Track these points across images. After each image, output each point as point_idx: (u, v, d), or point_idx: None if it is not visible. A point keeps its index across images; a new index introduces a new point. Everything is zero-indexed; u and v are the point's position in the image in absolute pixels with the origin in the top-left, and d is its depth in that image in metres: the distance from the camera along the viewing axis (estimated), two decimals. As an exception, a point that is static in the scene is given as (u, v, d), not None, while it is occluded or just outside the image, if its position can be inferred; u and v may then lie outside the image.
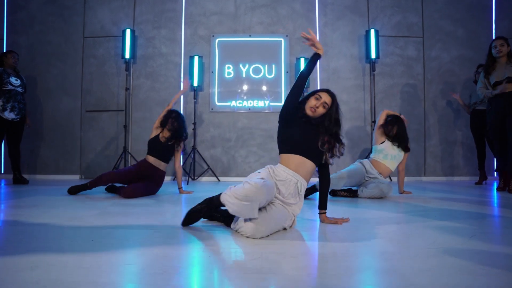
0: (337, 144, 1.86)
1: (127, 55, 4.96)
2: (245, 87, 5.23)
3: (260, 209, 1.66)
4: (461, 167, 5.22)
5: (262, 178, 1.63)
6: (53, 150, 5.19)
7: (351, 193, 3.15)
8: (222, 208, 1.86)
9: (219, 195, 1.63)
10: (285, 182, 1.74)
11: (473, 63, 4.96)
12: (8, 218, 2.04)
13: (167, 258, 1.24)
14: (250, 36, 5.22)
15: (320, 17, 5.25)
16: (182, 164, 3.35)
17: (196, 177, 5.03)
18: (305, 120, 1.85)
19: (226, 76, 5.23)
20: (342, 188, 3.17)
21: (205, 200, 1.74)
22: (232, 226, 1.65)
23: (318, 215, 1.95)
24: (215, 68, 5.21)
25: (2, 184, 4.17)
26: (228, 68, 5.23)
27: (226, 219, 1.79)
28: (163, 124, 3.29)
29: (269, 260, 1.24)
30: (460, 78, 5.23)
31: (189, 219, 1.76)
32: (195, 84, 5.02)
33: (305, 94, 1.96)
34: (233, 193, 1.51)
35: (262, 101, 5.19)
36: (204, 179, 5.11)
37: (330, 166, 1.93)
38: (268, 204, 1.68)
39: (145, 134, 5.04)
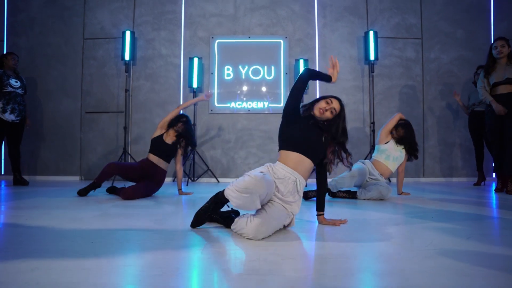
0: (345, 154, 1.89)
1: (127, 57, 4.98)
2: (244, 89, 5.25)
3: (260, 210, 1.68)
4: (460, 168, 5.23)
5: (262, 172, 1.66)
6: (53, 151, 5.20)
7: (350, 195, 3.16)
8: (223, 210, 1.88)
9: (223, 191, 1.66)
10: (283, 180, 1.76)
11: (472, 64, 4.98)
12: (8, 219, 2.05)
13: (167, 260, 1.25)
14: (249, 37, 5.24)
15: (319, 19, 5.27)
16: (183, 164, 3.37)
17: (195, 178, 5.04)
18: (311, 120, 1.89)
19: (226, 77, 5.24)
20: (342, 189, 3.19)
21: (211, 198, 1.76)
22: (232, 227, 1.65)
23: (316, 216, 1.96)
24: (214, 70, 5.23)
25: (2, 185, 4.18)
26: (228, 69, 5.24)
27: (226, 220, 1.80)
28: (170, 125, 3.28)
29: (268, 261, 1.25)
30: (459, 80, 5.25)
31: (198, 219, 1.77)
32: (195, 85, 5.04)
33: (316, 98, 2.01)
34: (235, 186, 1.55)
35: (262, 103, 5.20)
36: (203, 180, 5.12)
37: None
38: (267, 204, 1.70)
39: (145, 135, 5.06)
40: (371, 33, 4.98)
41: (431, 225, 1.92)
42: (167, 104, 5.21)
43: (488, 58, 3.62)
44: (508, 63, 3.52)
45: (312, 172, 1.92)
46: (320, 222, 1.94)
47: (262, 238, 1.56)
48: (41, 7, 5.25)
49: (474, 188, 4.21)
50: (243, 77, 5.24)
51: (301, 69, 5.00)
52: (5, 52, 4.82)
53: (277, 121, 1.98)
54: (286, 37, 5.23)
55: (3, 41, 5.20)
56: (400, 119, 3.28)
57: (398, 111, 5.18)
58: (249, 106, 5.21)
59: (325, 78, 1.98)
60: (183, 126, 3.26)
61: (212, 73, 5.22)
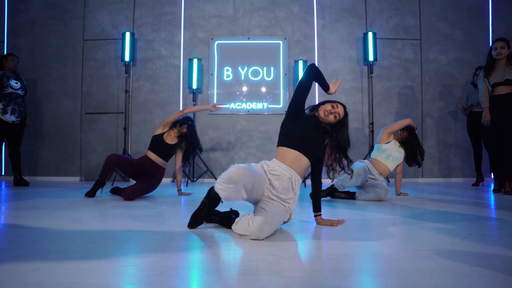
0: (346, 162, 1.93)
1: (127, 58, 5.00)
2: (244, 90, 5.27)
3: (259, 209, 1.70)
4: (458, 169, 5.25)
5: (249, 164, 1.72)
6: (54, 152, 5.22)
7: (349, 195, 3.18)
8: (222, 210, 1.90)
9: (213, 186, 1.67)
10: (279, 177, 1.78)
11: (471, 65, 5.01)
12: (9, 220, 2.06)
13: (166, 260, 1.27)
14: (248, 38, 5.26)
15: (318, 20, 5.29)
16: (182, 166, 3.37)
17: (195, 179, 5.06)
18: (313, 120, 1.93)
19: (225, 78, 5.26)
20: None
21: (205, 196, 1.77)
22: (233, 228, 1.65)
23: (313, 217, 1.98)
24: (214, 71, 5.25)
25: (3, 186, 4.20)
26: (227, 70, 5.26)
27: (226, 221, 1.82)
28: (174, 125, 3.27)
29: (266, 261, 1.27)
30: (458, 81, 5.27)
31: (194, 220, 1.79)
32: (194, 86, 5.06)
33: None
34: (220, 178, 1.58)
35: (261, 104, 5.22)
36: (203, 180, 5.14)
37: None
38: (265, 202, 1.72)
39: (145, 136, 5.08)
40: (370, 34, 5.00)
41: (428, 226, 1.94)
42: (166, 105, 5.23)
43: (488, 58, 3.64)
44: (508, 64, 3.54)
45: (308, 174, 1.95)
46: (318, 223, 1.95)
47: (265, 237, 1.58)
48: (41, 9, 5.27)
49: (473, 188, 4.23)
50: (243, 78, 5.26)
51: (300, 70, 5.03)
52: (5, 53, 4.83)
53: (277, 122, 2.01)
54: (285, 38, 5.26)
55: (4, 42, 5.22)
56: (410, 125, 3.27)
57: (397, 112, 5.23)
58: (248, 107, 5.23)
59: (325, 84, 2.03)
60: (188, 129, 3.24)
61: (211, 74, 5.25)
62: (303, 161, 1.84)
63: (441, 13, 5.30)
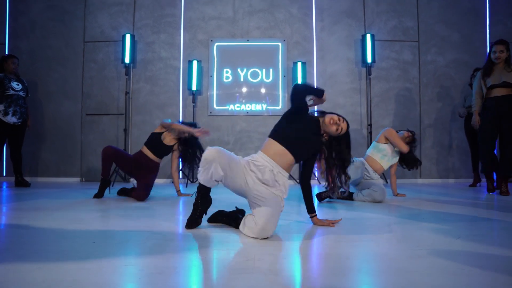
0: (345, 178, 1.98)
1: (127, 60, 5.03)
2: (243, 91, 5.30)
3: (256, 208, 1.76)
4: (456, 170, 5.29)
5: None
6: (54, 153, 5.25)
7: (346, 197, 3.20)
8: (229, 210, 1.94)
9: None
10: (261, 168, 1.82)
11: (469, 66, 5.04)
12: (11, 221, 2.10)
13: (165, 259, 1.31)
14: (248, 40, 5.30)
15: (317, 22, 5.32)
16: (181, 167, 3.37)
17: (195, 180, 5.09)
18: (314, 124, 1.95)
19: (225, 80, 5.30)
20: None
21: (196, 194, 1.84)
22: (241, 229, 1.75)
23: (310, 218, 2.01)
24: (213, 72, 5.29)
25: (4, 187, 4.24)
26: (227, 72, 5.30)
27: (232, 220, 1.89)
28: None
29: (263, 260, 1.30)
30: (456, 82, 5.30)
31: (192, 220, 1.84)
32: (194, 88, 5.09)
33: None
34: (199, 167, 1.73)
35: (260, 105, 5.26)
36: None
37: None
38: (260, 199, 1.77)
39: (145, 137, 5.05)
40: (368, 36, 5.04)
41: (424, 226, 1.97)
42: (166, 106, 5.26)
43: (488, 60, 3.68)
44: (505, 67, 3.58)
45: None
46: (315, 223, 1.99)
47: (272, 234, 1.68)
48: (42, 11, 5.31)
49: (470, 189, 4.27)
50: (242, 79, 5.29)
51: (299, 71, 5.07)
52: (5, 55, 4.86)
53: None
54: (284, 40, 5.29)
55: (5, 44, 5.26)
56: (414, 139, 3.35)
57: (395, 113, 5.26)
58: (247, 108, 5.26)
59: (318, 92, 2.01)
60: (192, 141, 3.22)
61: (211, 76, 5.28)
62: (287, 157, 1.86)
63: (439, 15, 5.33)
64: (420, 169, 5.25)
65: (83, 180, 5.21)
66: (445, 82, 5.31)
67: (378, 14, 5.33)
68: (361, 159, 3.28)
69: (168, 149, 3.29)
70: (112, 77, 5.28)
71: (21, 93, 4.29)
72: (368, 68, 5.12)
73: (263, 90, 5.29)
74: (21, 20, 5.31)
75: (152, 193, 3.36)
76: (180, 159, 3.42)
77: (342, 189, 3.14)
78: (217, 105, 5.28)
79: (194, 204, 1.84)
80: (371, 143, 4.88)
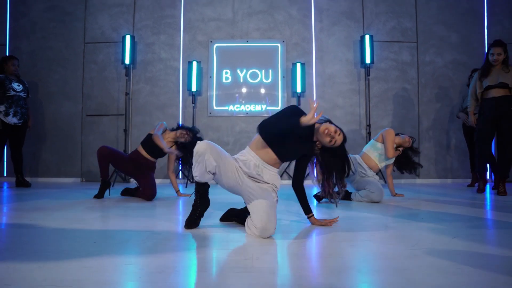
0: (341, 185, 1.97)
1: (127, 61, 5.06)
2: (242, 92, 5.33)
3: (248, 201, 1.81)
4: (455, 170, 5.31)
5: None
6: (55, 153, 5.27)
7: (344, 196, 3.22)
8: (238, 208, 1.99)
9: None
10: (246, 161, 1.87)
11: (467, 67, 5.06)
12: (12, 220, 2.12)
13: (165, 259, 1.33)
14: (247, 41, 5.32)
15: (316, 23, 5.35)
16: (180, 168, 3.38)
17: (194, 180, 5.10)
18: (308, 130, 1.87)
19: (224, 81, 5.32)
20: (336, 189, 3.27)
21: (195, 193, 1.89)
22: (246, 229, 1.79)
23: (307, 219, 2.03)
24: (213, 73, 5.31)
25: (5, 187, 4.26)
26: (226, 73, 5.32)
27: (242, 220, 1.92)
28: (172, 129, 3.29)
29: (261, 259, 1.33)
30: (454, 83, 5.33)
31: (190, 221, 1.87)
32: (194, 89, 5.12)
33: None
34: (193, 163, 1.77)
35: (260, 106, 5.28)
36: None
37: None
38: (250, 192, 1.81)
39: (145, 138, 5.13)
40: (367, 37, 5.06)
41: (420, 226, 1.99)
42: (166, 107, 5.29)
43: (485, 61, 3.70)
44: (503, 68, 3.60)
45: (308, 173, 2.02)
46: (312, 223, 2.01)
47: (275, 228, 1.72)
48: (42, 12, 5.33)
49: (468, 189, 4.29)
50: (241, 80, 5.32)
51: (298, 72, 5.10)
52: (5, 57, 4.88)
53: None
54: (283, 41, 5.32)
55: (5, 45, 5.28)
56: (411, 147, 3.36)
57: (394, 114, 5.29)
58: (247, 109, 5.29)
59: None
60: (190, 140, 3.20)
61: (210, 77, 5.31)
62: (270, 155, 1.88)
63: (437, 16, 5.36)
64: (419, 169, 5.27)
65: (84, 180, 5.24)
66: (444, 83, 5.34)
67: (377, 15, 5.35)
68: (356, 155, 3.30)
69: (164, 152, 3.31)
70: (112, 78, 5.31)
71: (22, 94, 4.31)
72: (367, 68, 5.15)
73: (262, 91, 5.31)
74: (21, 21, 5.33)
75: (152, 193, 3.39)
76: (180, 160, 3.44)
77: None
78: (216, 106, 5.30)
79: (194, 205, 1.87)
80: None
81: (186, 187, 4.58)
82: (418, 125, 5.30)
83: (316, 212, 2.06)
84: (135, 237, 1.71)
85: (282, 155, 1.90)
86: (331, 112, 5.29)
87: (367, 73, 5.15)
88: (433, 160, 5.32)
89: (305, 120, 1.71)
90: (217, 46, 5.32)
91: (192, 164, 1.77)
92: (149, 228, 1.91)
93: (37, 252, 1.40)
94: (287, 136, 1.83)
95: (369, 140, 5.00)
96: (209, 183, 1.88)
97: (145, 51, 5.33)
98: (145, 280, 1.11)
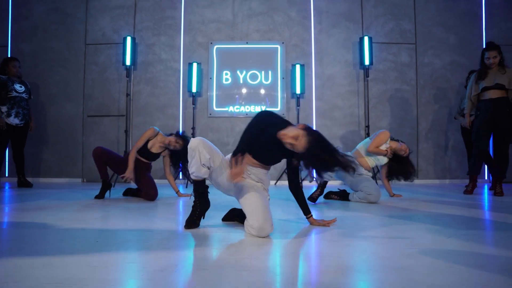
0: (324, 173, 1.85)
1: (128, 62, 5.09)
2: (242, 93, 5.36)
3: (239, 197, 1.85)
4: (453, 170, 5.34)
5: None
6: (56, 154, 5.31)
7: (342, 197, 3.26)
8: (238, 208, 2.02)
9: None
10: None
11: (465, 69, 5.10)
12: (14, 220, 2.15)
13: (166, 258, 1.36)
14: (247, 43, 5.36)
15: (315, 25, 5.39)
16: (180, 169, 3.40)
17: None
18: (280, 144, 1.81)
19: (224, 82, 5.36)
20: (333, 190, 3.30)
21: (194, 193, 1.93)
22: (245, 229, 1.81)
23: (306, 219, 2.05)
24: (213, 74, 5.35)
25: (7, 188, 4.29)
26: (226, 74, 5.36)
27: (243, 219, 1.94)
28: (171, 134, 3.32)
29: (261, 259, 1.36)
30: (452, 84, 5.36)
31: (190, 222, 1.90)
32: (194, 90, 5.16)
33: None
34: (188, 160, 1.82)
35: (259, 107, 5.32)
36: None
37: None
38: (241, 190, 1.85)
39: (145, 138, 5.16)
40: (366, 39, 5.10)
41: (417, 226, 2.01)
42: (167, 108, 5.33)
43: (481, 64, 3.74)
44: (500, 69, 3.64)
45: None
46: (311, 224, 2.04)
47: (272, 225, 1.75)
48: (44, 14, 5.37)
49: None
50: (241, 81, 5.36)
51: (298, 73, 5.13)
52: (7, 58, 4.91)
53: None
54: (283, 43, 5.35)
55: (7, 46, 5.33)
56: (405, 155, 3.27)
57: (392, 115, 5.32)
58: (247, 110, 5.32)
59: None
60: (180, 148, 3.20)
61: (210, 78, 5.34)
62: (254, 160, 1.91)
63: (436, 18, 5.39)
64: (418, 170, 5.31)
65: (85, 180, 5.27)
66: (442, 84, 5.37)
67: (376, 16, 5.39)
68: (348, 153, 3.28)
69: (156, 156, 3.36)
70: (113, 79, 5.34)
71: (23, 95, 4.35)
72: (366, 70, 5.18)
73: (262, 92, 5.35)
74: (23, 23, 5.37)
75: (152, 193, 3.42)
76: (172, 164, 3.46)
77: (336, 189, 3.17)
78: (216, 107, 5.34)
79: (193, 205, 1.91)
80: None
81: (186, 187, 4.61)
82: (416, 126, 5.34)
83: (314, 213, 2.08)
84: (136, 236, 1.74)
85: (263, 159, 1.92)
86: (330, 113, 5.33)
87: (366, 75, 5.19)
88: (431, 161, 5.35)
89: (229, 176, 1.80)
90: (217, 48, 5.36)
91: (185, 168, 1.80)
92: (149, 228, 1.94)
93: (39, 251, 1.42)
94: (261, 139, 1.84)
95: (368, 140, 5.04)
96: (207, 184, 1.91)
97: (145, 52, 5.37)
98: (147, 278, 1.14)
